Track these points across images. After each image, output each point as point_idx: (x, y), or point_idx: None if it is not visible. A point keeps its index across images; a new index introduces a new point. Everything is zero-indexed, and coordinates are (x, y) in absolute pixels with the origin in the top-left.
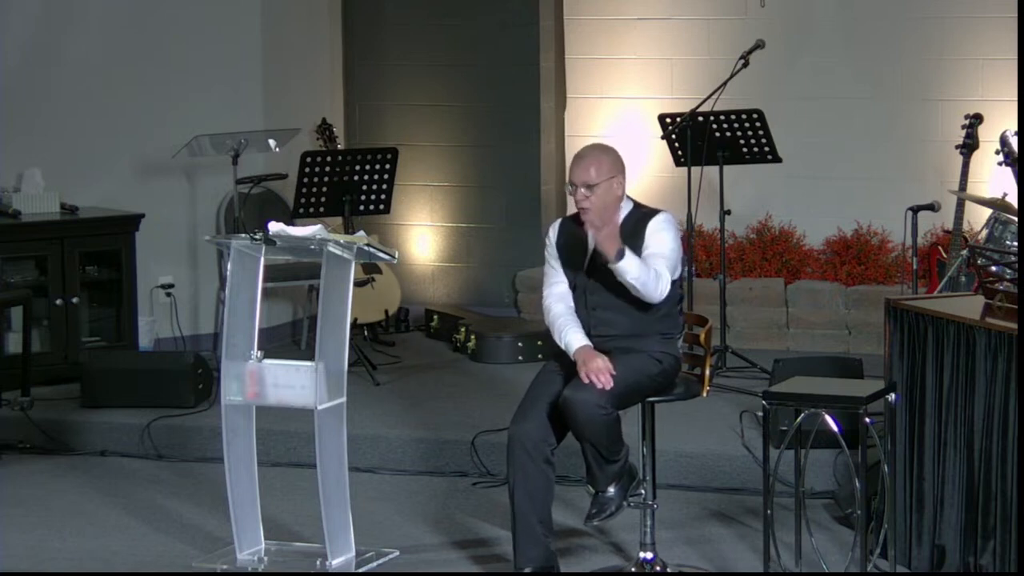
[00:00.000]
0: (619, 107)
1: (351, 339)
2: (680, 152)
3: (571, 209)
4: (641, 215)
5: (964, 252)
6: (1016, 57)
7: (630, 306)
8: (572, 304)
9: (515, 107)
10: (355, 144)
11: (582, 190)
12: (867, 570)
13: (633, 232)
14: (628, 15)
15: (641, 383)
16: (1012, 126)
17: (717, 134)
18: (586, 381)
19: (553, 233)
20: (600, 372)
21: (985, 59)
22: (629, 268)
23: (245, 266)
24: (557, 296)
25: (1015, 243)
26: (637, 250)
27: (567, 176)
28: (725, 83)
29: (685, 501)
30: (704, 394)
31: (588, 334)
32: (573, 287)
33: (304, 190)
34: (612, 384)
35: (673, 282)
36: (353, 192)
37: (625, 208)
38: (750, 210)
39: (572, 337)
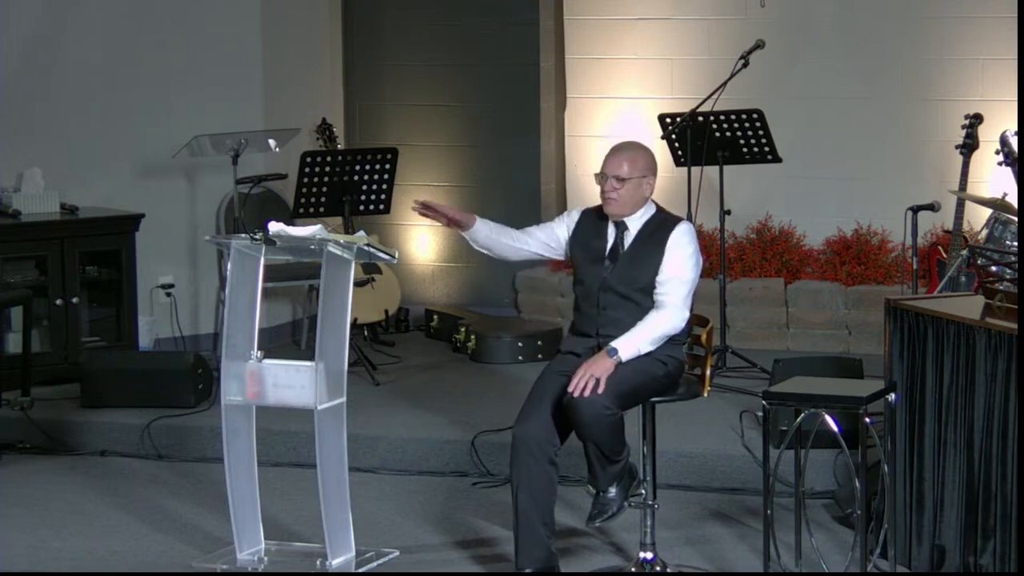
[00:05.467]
0: (619, 107)
1: (351, 339)
2: (680, 152)
3: (571, 207)
4: (662, 220)
5: (964, 252)
6: (1016, 57)
7: (640, 308)
8: (516, 233)
9: (515, 107)
10: (355, 144)
11: (612, 181)
12: (867, 570)
13: (653, 236)
14: (628, 15)
15: (646, 385)
16: (1012, 126)
17: (717, 134)
18: (579, 386)
19: (572, 220)
20: (592, 381)
21: (985, 59)
22: (638, 347)
23: (245, 266)
24: (524, 230)
25: (1015, 243)
26: (656, 254)
27: (601, 166)
28: (725, 83)
29: (685, 501)
30: (705, 394)
31: (596, 333)
32: (584, 281)
33: (304, 190)
34: (602, 389)
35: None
36: (353, 192)
37: (648, 211)
38: (750, 210)
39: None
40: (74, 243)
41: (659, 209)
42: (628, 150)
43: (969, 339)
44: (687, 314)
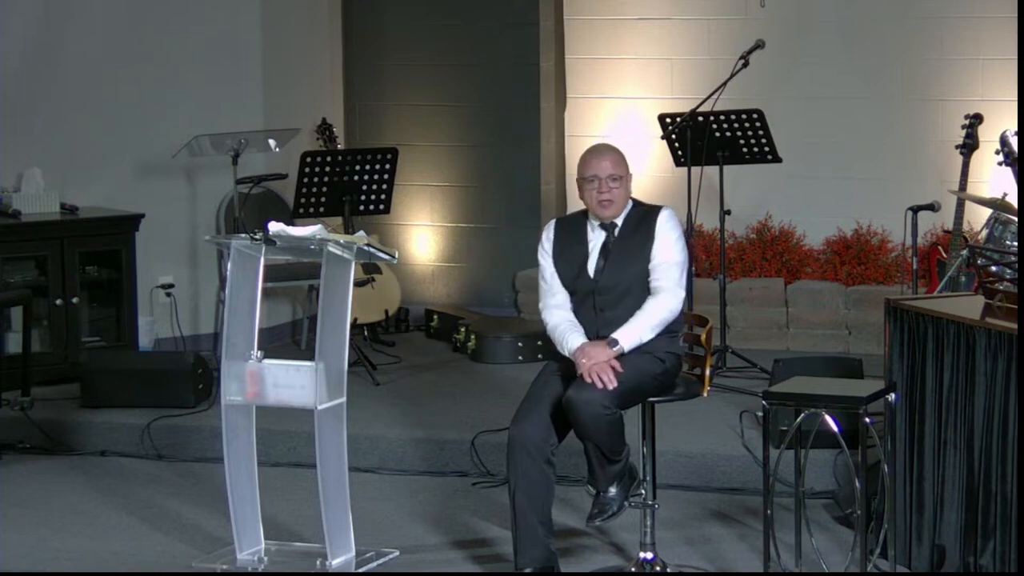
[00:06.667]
0: (619, 107)
1: (351, 339)
2: (680, 152)
3: (571, 209)
4: (643, 211)
5: (964, 252)
6: (1016, 57)
7: (638, 302)
8: (571, 314)
9: (515, 107)
10: (355, 144)
11: (608, 182)
12: (867, 570)
13: (638, 227)
14: (628, 15)
15: (644, 383)
16: (1012, 126)
17: (717, 134)
18: (588, 381)
19: (548, 241)
20: (602, 371)
21: (985, 59)
22: (640, 335)
23: (245, 266)
24: (556, 305)
25: (1015, 243)
26: (645, 244)
27: (583, 171)
28: (725, 83)
29: (685, 501)
30: (704, 394)
31: (596, 336)
32: (576, 288)
33: (304, 190)
34: (615, 383)
35: None
36: (353, 192)
37: (627, 205)
38: (750, 210)
39: (573, 340)
40: (74, 243)
41: (636, 202)
42: (611, 151)
43: (969, 339)
44: (683, 294)
